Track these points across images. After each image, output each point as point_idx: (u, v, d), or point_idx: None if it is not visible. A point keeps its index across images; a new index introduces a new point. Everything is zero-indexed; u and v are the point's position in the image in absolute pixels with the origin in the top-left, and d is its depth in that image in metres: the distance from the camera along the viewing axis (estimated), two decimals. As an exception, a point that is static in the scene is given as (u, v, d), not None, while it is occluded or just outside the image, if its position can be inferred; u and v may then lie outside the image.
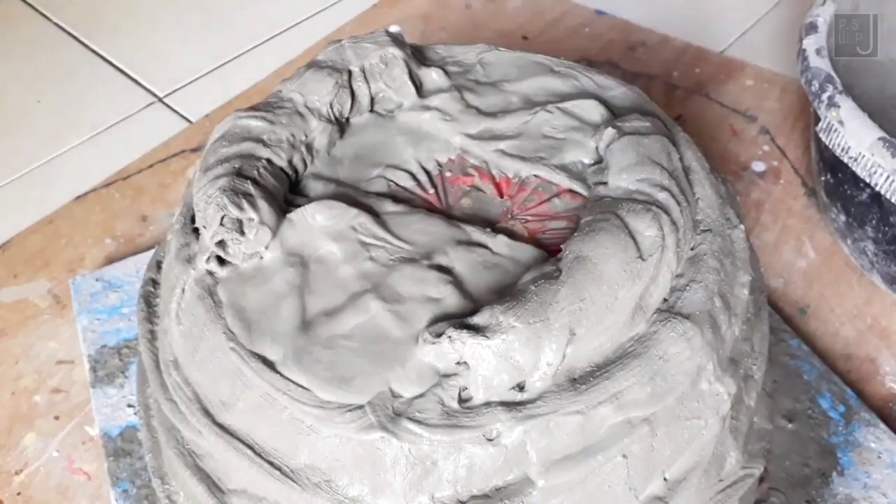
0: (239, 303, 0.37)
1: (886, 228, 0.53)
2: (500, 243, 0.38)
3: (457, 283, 0.36)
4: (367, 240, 0.39)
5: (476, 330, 0.32)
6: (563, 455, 0.33)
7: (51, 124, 0.78)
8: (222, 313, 0.37)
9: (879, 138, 0.49)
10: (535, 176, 0.43)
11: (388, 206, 0.41)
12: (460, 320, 0.33)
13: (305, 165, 0.44)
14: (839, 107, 0.51)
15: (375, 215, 0.40)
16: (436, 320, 0.34)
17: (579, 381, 0.34)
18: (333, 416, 0.33)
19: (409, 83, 0.46)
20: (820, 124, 0.53)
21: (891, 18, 0.62)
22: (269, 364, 0.35)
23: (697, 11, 0.88)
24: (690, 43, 0.82)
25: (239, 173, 0.39)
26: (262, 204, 0.38)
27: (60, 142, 0.76)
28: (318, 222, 0.39)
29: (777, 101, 0.74)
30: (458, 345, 0.32)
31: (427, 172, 0.44)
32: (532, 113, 0.45)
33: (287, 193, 0.42)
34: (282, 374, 0.35)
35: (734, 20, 0.86)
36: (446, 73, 0.48)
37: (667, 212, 0.37)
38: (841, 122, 0.51)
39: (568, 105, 0.45)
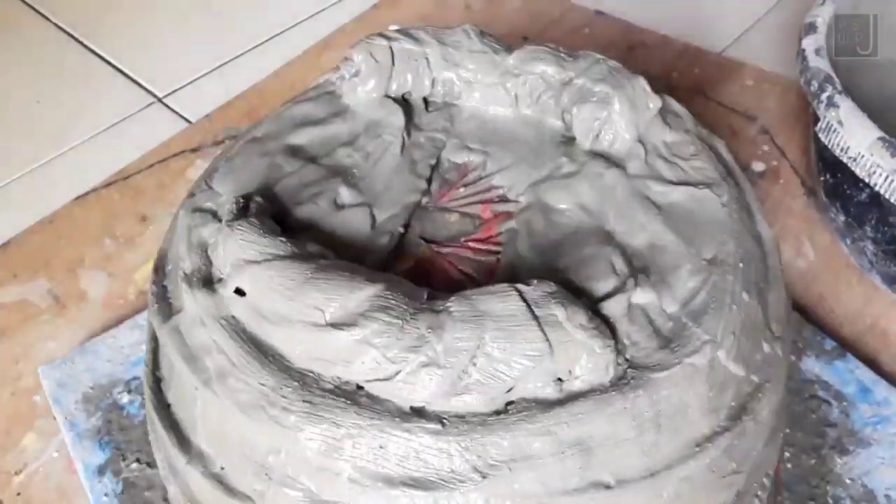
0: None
1: (886, 228, 0.53)
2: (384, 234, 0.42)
3: (336, 205, 0.42)
4: (367, 145, 0.46)
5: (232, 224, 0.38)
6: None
7: (51, 124, 0.78)
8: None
9: (878, 138, 0.49)
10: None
11: (417, 155, 0.45)
12: (255, 218, 0.38)
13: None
14: (838, 107, 0.51)
15: (403, 140, 0.46)
16: (255, 203, 0.40)
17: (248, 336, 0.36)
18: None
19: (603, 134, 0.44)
20: (819, 124, 0.53)
21: (891, 18, 0.62)
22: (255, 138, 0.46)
23: (697, 12, 0.88)
24: (690, 43, 0.82)
25: (392, 50, 0.48)
26: (371, 69, 0.47)
27: (60, 142, 0.76)
28: (375, 112, 0.47)
29: (776, 101, 0.74)
30: (224, 230, 0.37)
31: (488, 187, 0.44)
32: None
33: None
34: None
35: (733, 20, 0.86)
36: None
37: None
38: (840, 122, 0.51)
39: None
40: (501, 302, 0.33)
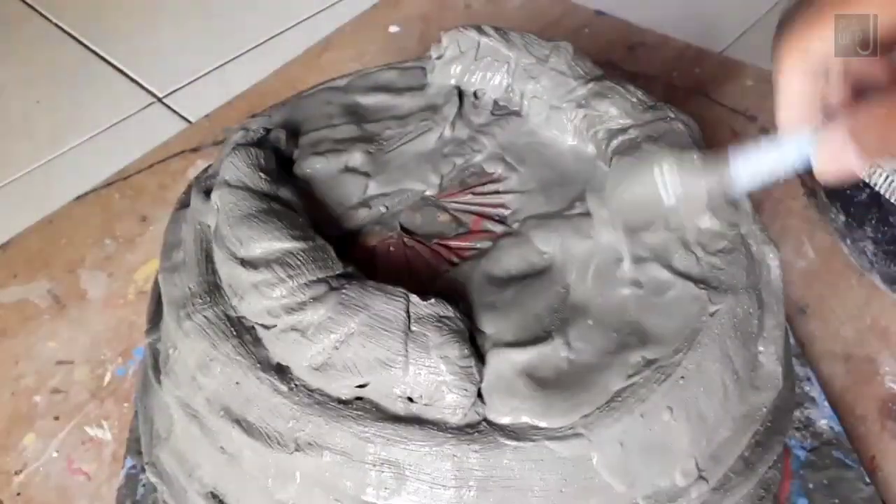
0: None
1: (886, 228, 0.53)
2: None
3: (355, 171, 0.44)
4: (411, 124, 0.46)
5: (236, 146, 0.42)
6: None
7: (51, 124, 0.78)
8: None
9: (879, 138, 0.49)
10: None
11: (448, 150, 0.45)
12: (258, 149, 0.41)
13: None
14: (839, 107, 0.51)
15: (443, 131, 0.46)
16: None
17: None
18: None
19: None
20: (819, 124, 0.53)
21: (890, 18, 0.62)
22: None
23: (697, 12, 0.88)
24: (690, 43, 0.82)
25: (479, 45, 0.48)
26: (454, 57, 0.48)
27: (60, 142, 0.76)
28: (440, 97, 0.48)
29: (777, 101, 0.74)
30: (227, 150, 0.42)
31: (496, 203, 0.43)
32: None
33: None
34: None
35: (734, 20, 0.86)
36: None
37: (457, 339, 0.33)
38: (840, 123, 0.51)
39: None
40: (386, 303, 0.34)
